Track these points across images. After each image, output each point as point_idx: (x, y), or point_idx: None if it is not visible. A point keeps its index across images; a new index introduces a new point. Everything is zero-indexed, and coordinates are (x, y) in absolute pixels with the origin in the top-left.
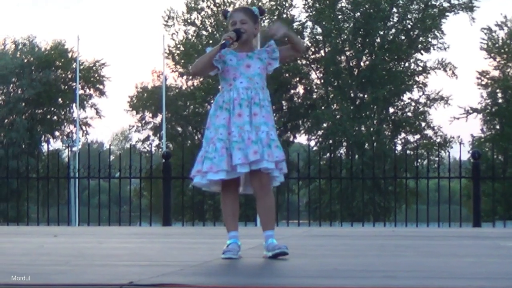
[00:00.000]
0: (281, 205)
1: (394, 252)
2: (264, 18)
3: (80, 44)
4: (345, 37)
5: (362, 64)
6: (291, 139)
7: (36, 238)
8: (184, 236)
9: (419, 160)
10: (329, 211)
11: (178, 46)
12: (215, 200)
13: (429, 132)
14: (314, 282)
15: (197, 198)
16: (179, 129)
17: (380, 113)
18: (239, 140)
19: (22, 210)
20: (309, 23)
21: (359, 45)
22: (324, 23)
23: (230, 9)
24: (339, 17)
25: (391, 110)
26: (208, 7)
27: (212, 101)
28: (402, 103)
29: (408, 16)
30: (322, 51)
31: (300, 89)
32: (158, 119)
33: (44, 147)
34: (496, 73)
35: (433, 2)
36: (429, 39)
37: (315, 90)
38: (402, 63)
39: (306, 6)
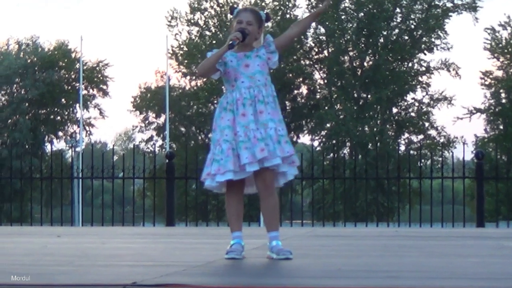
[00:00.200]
0: (285, 205)
1: (397, 252)
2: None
3: (83, 45)
4: (349, 37)
5: (365, 64)
6: (294, 139)
7: (39, 238)
8: (187, 237)
9: (423, 160)
10: (332, 211)
11: (182, 46)
12: (219, 200)
13: (432, 132)
14: (318, 283)
15: (200, 198)
16: (183, 129)
17: (384, 113)
18: (245, 140)
19: (25, 211)
20: (313, 24)
21: (363, 45)
22: (327, 23)
23: (236, 6)
24: (343, 17)
25: (394, 110)
26: (212, 7)
27: (215, 101)
28: (406, 103)
29: (412, 16)
30: (325, 51)
31: (304, 89)
32: (161, 120)
33: (48, 147)
34: (499, 73)
35: (436, 2)
36: (433, 39)
37: (319, 90)
38: (406, 63)
39: (309, 7)
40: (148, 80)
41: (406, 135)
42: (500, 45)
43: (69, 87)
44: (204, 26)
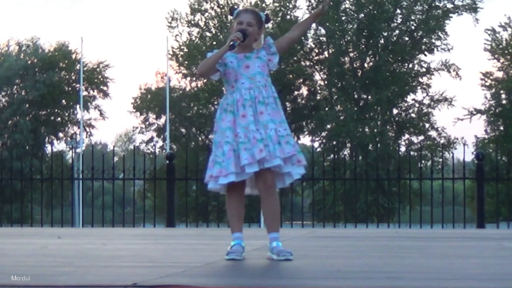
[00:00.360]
0: (285, 206)
1: (398, 253)
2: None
3: (83, 46)
4: (349, 38)
5: (365, 65)
6: (295, 140)
7: (39, 239)
8: (188, 237)
9: (423, 161)
10: (333, 212)
11: (182, 47)
12: (219, 201)
13: (433, 133)
14: (318, 283)
15: (201, 199)
16: (183, 130)
17: (384, 114)
18: (245, 141)
19: (26, 212)
20: (313, 25)
21: (363, 46)
22: (327, 24)
23: (237, 7)
24: (343, 18)
25: (395, 111)
26: (212, 8)
27: (216, 102)
28: (406, 104)
29: (412, 17)
30: (325, 53)
31: (304, 91)
32: (161, 121)
33: (48, 148)
34: (500, 74)
35: (436, 3)
36: (433, 40)
37: (319, 92)
38: (406, 64)
39: (309, 8)
40: (149, 81)
41: (407, 136)
42: (501, 46)
43: (70, 88)
44: (204, 27)
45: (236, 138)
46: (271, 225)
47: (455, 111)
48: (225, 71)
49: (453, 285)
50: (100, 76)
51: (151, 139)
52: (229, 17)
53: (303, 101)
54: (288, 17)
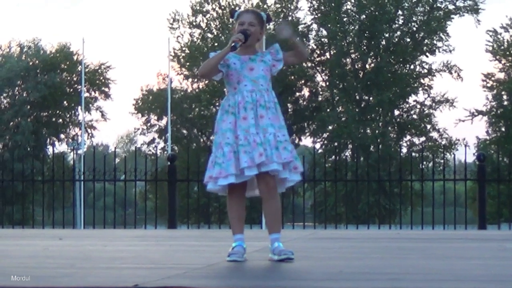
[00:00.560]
0: (287, 207)
1: (399, 255)
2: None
3: (85, 47)
4: (350, 39)
5: (367, 66)
6: (296, 141)
7: (41, 241)
8: (189, 239)
9: (425, 163)
10: (334, 214)
11: (184, 48)
12: (221, 202)
13: (434, 135)
14: (319, 285)
15: (202, 200)
16: (185, 131)
17: (386, 115)
18: (245, 143)
19: (27, 213)
20: (315, 26)
21: (365, 47)
22: (329, 25)
23: (237, 9)
24: (344, 19)
25: (396, 112)
26: (213, 9)
27: (217, 103)
28: (408, 105)
29: (414, 18)
30: (327, 54)
31: (306, 92)
32: (163, 122)
33: (50, 150)
34: (501, 75)
35: (438, 5)
36: (435, 42)
37: (321, 93)
38: (408, 65)
39: (311, 9)
40: (150, 83)
41: (408, 137)
42: (502, 47)
43: (71, 90)
44: (206, 28)
45: (236, 140)
46: (273, 226)
47: (457, 112)
48: (227, 72)
49: (454, 287)
50: (101, 78)
51: (152, 141)
52: (231, 19)
53: (305, 102)
54: (290, 18)
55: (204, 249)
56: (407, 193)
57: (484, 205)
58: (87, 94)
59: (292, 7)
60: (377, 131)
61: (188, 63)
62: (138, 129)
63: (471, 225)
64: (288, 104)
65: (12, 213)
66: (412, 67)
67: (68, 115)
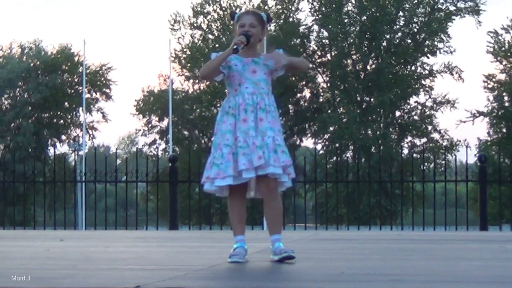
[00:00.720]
0: (288, 208)
1: (400, 256)
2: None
3: (86, 48)
4: (352, 40)
5: (368, 67)
6: (297, 142)
7: (42, 242)
8: (190, 240)
9: (426, 164)
10: (335, 215)
11: (185, 50)
12: (222, 203)
13: (435, 136)
14: (321, 286)
15: (203, 201)
16: (186, 133)
17: (387, 116)
18: (244, 146)
19: (28, 214)
20: (316, 27)
21: (366, 48)
22: (330, 26)
23: (237, 11)
24: (346, 20)
25: (397, 113)
26: (214, 11)
27: (218, 105)
28: (409, 106)
29: (415, 19)
30: (328, 55)
31: (307, 93)
32: (164, 123)
33: (51, 151)
34: (502, 77)
35: (439, 6)
36: (436, 43)
37: (322, 94)
38: (409, 66)
39: (312, 10)
40: (151, 84)
41: (409, 138)
42: (503, 48)
43: (72, 91)
44: (207, 29)
45: (235, 141)
46: (274, 227)
47: (458, 113)
48: (229, 74)
49: None
50: (102, 79)
51: (153, 142)
52: (231, 21)
53: (306, 104)
54: (291, 19)
55: (206, 250)
56: (409, 194)
57: (486, 206)
58: (88, 95)
59: (293, 8)
60: (378, 132)
61: (189, 64)
62: (139, 130)
63: (472, 226)
64: (289, 105)
65: (14, 214)
66: (413, 68)
67: (69, 116)
